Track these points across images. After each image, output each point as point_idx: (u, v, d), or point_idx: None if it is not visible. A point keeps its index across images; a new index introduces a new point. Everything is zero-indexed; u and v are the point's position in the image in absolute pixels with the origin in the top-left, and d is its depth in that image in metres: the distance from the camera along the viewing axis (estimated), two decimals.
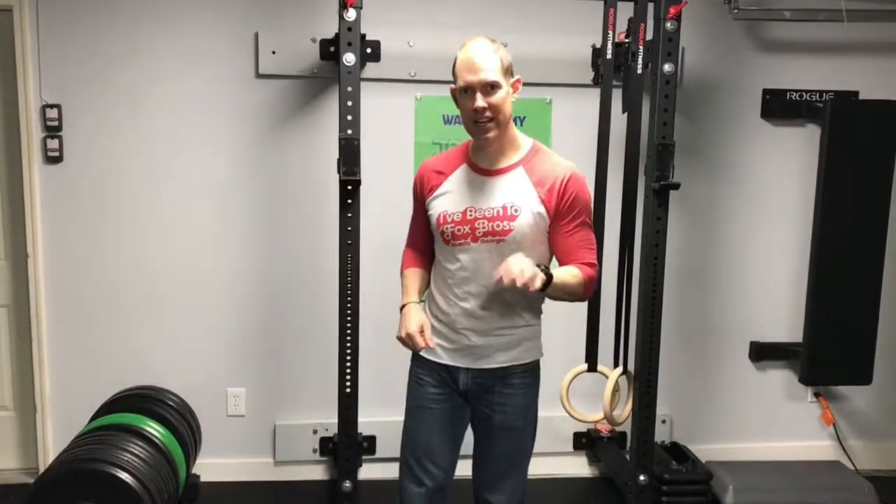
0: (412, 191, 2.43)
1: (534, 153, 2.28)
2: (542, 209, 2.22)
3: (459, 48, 2.22)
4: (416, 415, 2.40)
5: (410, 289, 2.38)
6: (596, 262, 2.30)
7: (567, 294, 2.23)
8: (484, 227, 2.22)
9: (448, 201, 2.29)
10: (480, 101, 2.15)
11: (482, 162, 2.29)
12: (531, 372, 2.36)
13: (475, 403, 2.36)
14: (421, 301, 2.37)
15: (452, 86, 2.25)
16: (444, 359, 2.33)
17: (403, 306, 2.32)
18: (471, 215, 2.24)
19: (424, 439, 2.37)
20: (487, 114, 2.17)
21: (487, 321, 2.27)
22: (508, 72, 2.20)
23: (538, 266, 2.11)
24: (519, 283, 2.02)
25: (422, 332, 2.22)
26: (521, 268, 2.04)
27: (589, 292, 2.29)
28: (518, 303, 2.27)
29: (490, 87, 2.15)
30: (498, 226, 2.21)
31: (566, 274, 2.21)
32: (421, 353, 2.36)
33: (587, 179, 2.33)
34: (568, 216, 2.24)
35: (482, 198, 2.25)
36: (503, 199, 2.23)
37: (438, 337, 2.32)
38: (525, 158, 2.27)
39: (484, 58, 2.15)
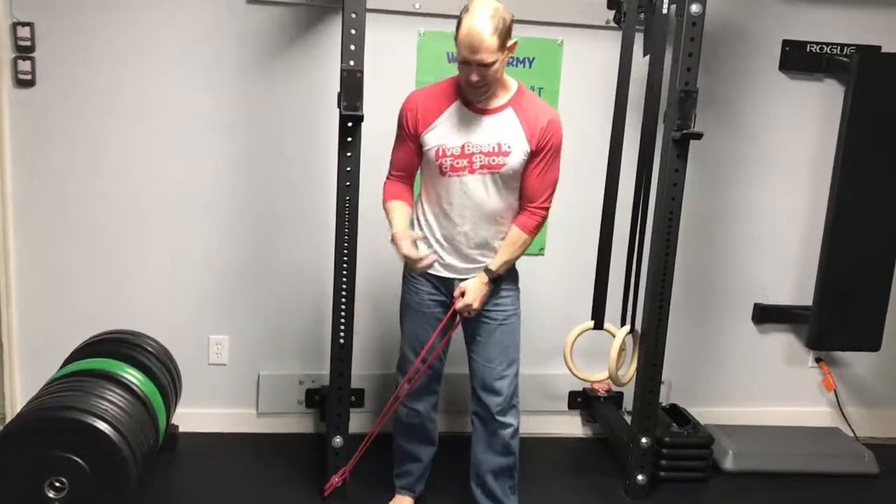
0: (400, 121, 2.63)
1: (520, 95, 2.57)
2: (527, 147, 2.54)
3: (464, 11, 2.38)
4: (414, 316, 2.76)
5: (399, 221, 2.64)
6: (550, 203, 2.65)
7: (515, 261, 2.68)
8: (481, 161, 2.54)
9: (445, 136, 2.56)
10: (475, 77, 2.41)
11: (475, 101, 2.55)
12: (513, 276, 2.74)
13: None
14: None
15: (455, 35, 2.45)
16: (441, 272, 2.68)
17: (396, 233, 2.61)
18: (468, 150, 2.54)
19: (420, 335, 2.75)
20: (480, 84, 2.44)
21: (480, 239, 2.62)
22: (504, 43, 2.41)
23: (483, 272, 2.60)
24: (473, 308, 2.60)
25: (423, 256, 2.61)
26: (465, 304, 2.59)
27: (534, 237, 2.67)
28: (505, 223, 2.63)
29: (485, 66, 2.39)
30: (493, 160, 2.54)
31: (507, 255, 2.62)
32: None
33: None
34: (543, 156, 2.56)
35: (478, 134, 2.54)
36: (497, 137, 2.53)
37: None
38: (513, 100, 2.56)
39: (484, 41, 2.35)
